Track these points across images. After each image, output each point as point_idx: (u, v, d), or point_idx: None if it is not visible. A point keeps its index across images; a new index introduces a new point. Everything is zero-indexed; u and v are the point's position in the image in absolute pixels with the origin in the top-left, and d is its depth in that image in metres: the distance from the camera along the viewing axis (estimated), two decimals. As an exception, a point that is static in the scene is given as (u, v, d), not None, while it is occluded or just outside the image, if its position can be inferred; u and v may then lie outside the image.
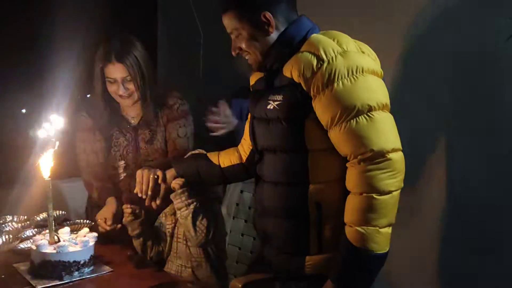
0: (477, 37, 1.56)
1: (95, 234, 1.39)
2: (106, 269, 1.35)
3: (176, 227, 1.54)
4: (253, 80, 1.39)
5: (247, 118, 2.12)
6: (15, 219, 1.72)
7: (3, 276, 1.29)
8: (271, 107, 1.21)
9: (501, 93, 1.53)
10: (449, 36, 1.62)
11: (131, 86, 1.67)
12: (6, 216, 1.73)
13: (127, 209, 1.52)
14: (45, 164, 1.33)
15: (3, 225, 1.63)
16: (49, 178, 1.34)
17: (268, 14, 1.22)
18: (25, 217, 1.73)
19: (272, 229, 1.27)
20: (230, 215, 2.16)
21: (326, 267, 1.18)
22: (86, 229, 1.42)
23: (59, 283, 1.25)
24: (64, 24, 2.52)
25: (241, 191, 2.15)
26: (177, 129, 1.79)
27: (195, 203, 1.44)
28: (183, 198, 1.44)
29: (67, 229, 1.41)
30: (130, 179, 1.69)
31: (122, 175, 1.77)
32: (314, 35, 1.22)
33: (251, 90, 1.40)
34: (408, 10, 1.73)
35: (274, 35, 1.24)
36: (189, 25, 2.83)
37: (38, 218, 1.72)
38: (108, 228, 1.57)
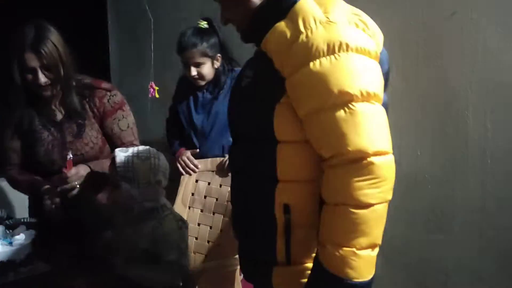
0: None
1: (33, 231, 1.32)
2: (44, 267, 1.29)
3: None
4: None
5: (197, 112, 2.10)
6: None
7: None
8: (243, 84, 1.01)
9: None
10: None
11: (51, 75, 1.58)
12: None
13: None
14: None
15: None
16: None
17: None
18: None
19: (239, 228, 1.13)
20: (186, 205, 2.12)
21: (294, 284, 1.00)
22: (23, 227, 1.35)
23: (-8, 284, 1.18)
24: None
25: (196, 181, 2.12)
26: (117, 123, 1.72)
27: None
28: None
29: (1, 227, 1.34)
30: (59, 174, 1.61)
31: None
32: (301, 2, 0.97)
33: None
34: None
35: (257, 0, 1.03)
36: (139, 10, 2.75)
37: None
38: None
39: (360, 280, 0.89)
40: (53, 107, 1.70)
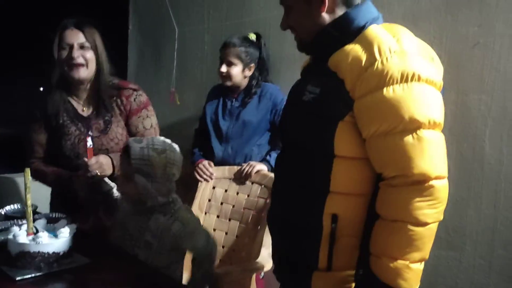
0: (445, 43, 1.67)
1: (74, 225, 1.37)
2: (85, 260, 1.34)
3: None
4: (304, 65, 1.27)
5: (224, 119, 2.19)
6: (-19, 210, 1.66)
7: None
8: (306, 99, 1.06)
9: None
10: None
11: (88, 55, 1.67)
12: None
13: None
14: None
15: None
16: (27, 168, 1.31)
17: None
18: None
19: (281, 232, 1.18)
20: (202, 210, 2.18)
21: None
22: (64, 221, 1.40)
23: (38, 274, 1.22)
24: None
25: (213, 187, 2.18)
26: (141, 121, 1.79)
27: None
28: None
29: (43, 220, 1.38)
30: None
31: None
32: (372, 27, 1.04)
33: (301, 76, 1.25)
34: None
35: (326, 17, 1.08)
36: (163, 20, 2.83)
37: (5, 210, 1.68)
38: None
39: None
40: (82, 102, 1.77)
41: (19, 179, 2.82)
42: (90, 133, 1.72)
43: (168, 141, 1.46)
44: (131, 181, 1.39)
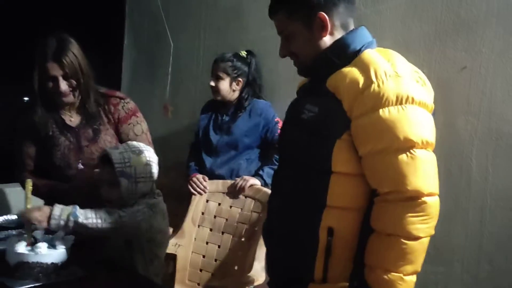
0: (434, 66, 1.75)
1: (72, 237, 1.38)
2: (81, 272, 1.34)
3: None
4: (300, 85, 1.31)
5: (215, 132, 2.23)
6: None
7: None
8: (305, 117, 1.11)
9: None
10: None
11: (71, 83, 1.67)
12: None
13: None
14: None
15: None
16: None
17: (323, 15, 1.11)
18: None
19: (277, 246, 1.21)
20: (195, 223, 2.20)
21: None
22: (61, 232, 1.41)
23: (36, 284, 1.23)
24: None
25: (207, 201, 2.21)
26: (131, 129, 1.80)
27: None
28: None
29: (41, 231, 1.39)
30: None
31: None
32: (367, 52, 1.10)
33: (297, 95, 1.30)
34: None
35: (327, 40, 1.13)
36: (158, 35, 2.88)
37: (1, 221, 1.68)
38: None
39: None
40: (70, 113, 1.77)
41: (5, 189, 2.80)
42: (82, 130, 1.74)
43: (142, 144, 1.54)
44: (115, 187, 1.44)
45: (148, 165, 1.47)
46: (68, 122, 1.77)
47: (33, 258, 1.25)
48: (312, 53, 1.15)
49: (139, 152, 1.46)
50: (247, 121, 2.19)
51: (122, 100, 1.81)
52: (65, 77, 1.65)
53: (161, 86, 2.84)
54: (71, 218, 1.33)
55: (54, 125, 1.75)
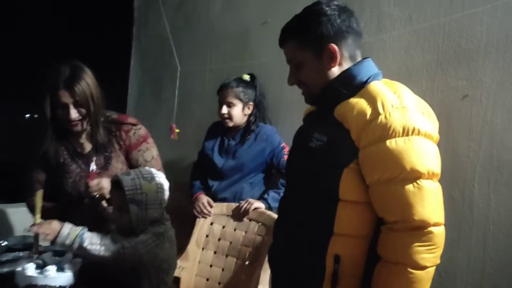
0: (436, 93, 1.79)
1: (79, 259, 1.40)
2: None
3: None
4: (306, 112, 1.34)
5: (220, 156, 2.25)
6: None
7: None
8: (313, 145, 1.13)
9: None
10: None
11: (82, 111, 1.67)
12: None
13: None
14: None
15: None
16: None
17: (333, 47, 1.15)
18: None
19: (283, 272, 1.22)
20: (200, 246, 2.21)
21: None
22: (70, 254, 1.42)
23: (45, 307, 1.25)
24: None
25: (211, 223, 2.22)
26: (141, 155, 1.82)
27: None
28: None
29: (50, 253, 1.41)
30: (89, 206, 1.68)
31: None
32: (374, 83, 1.14)
33: (303, 122, 1.33)
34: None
35: (335, 70, 1.17)
36: (165, 58, 2.94)
37: (6, 242, 1.69)
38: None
39: None
40: (81, 140, 1.79)
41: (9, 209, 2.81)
42: (94, 158, 1.75)
43: (154, 170, 1.54)
44: (125, 212, 1.45)
45: (159, 192, 1.47)
46: (79, 149, 1.78)
47: (42, 281, 1.27)
48: (320, 82, 1.18)
49: (151, 178, 1.47)
50: (253, 145, 2.22)
51: (134, 127, 1.82)
52: (76, 105, 1.66)
53: (167, 108, 2.88)
54: (77, 240, 1.34)
55: (65, 152, 1.77)
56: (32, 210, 1.58)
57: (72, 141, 1.79)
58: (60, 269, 1.33)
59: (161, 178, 1.51)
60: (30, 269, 1.29)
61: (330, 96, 1.17)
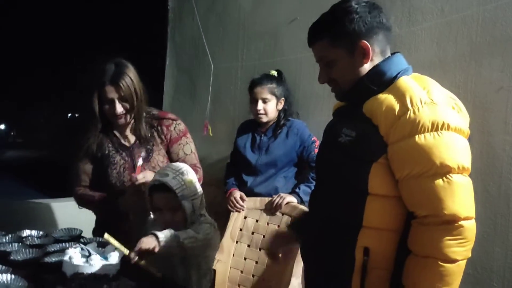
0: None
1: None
2: (131, 284, 1.43)
3: None
4: (336, 107, 1.35)
5: (253, 152, 2.30)
6: (33, 234, 1.79)
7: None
8: (343, 141, 1.15)
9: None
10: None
11: (126, 105, 1.76)
12: (24, 231, 1.80)
13: None
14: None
15: (25, 239, 1.71)
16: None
17: (366, 43, 1.15)
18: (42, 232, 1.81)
19: (315, 264, 1.25)
20: (234, 239, 2.27)
21: None
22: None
23: (89, 294, 1.33)
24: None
25: (245, 217, 2.27)
26: (181, 148, 1.90)
27: None
28: None
29: (94, 244, 1.51)
30: (132, 196, 1.75)
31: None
32: (403, 79, 1.14)
33: (333, 116, 1.34)
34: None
35: (367, 66, 1.17)
36: (199, 56, 3.01)
37: (56, 234, 1.80)
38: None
39: None
40: (125, 134, 1.89)
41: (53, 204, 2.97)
42: (142, 153, 1.84)
43: (178, 164, 1.60)
44: (177, 211, 1.51)
45: (194, 182, 1.55)
46: (123, 142, 1.89)
47: (87, 269, 1.35)
48: (351, 79, 1.19)
49: (185, 172, 1.53)
50: (284, 140, 2.25)
51: (174, 122, 1.92)
52: (121, 100, 1.76)
53: (201, 105, 2.96)
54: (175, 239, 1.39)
55: (110, 144, 1.87)
56: (115, 248, 1.53)
57: (116, 134, 1.89)
58: (104, 258, 1.41)
59: (187, 167, 1.57)
60: (77, 258, 1.38)
61: (360, 92, 1.18)
